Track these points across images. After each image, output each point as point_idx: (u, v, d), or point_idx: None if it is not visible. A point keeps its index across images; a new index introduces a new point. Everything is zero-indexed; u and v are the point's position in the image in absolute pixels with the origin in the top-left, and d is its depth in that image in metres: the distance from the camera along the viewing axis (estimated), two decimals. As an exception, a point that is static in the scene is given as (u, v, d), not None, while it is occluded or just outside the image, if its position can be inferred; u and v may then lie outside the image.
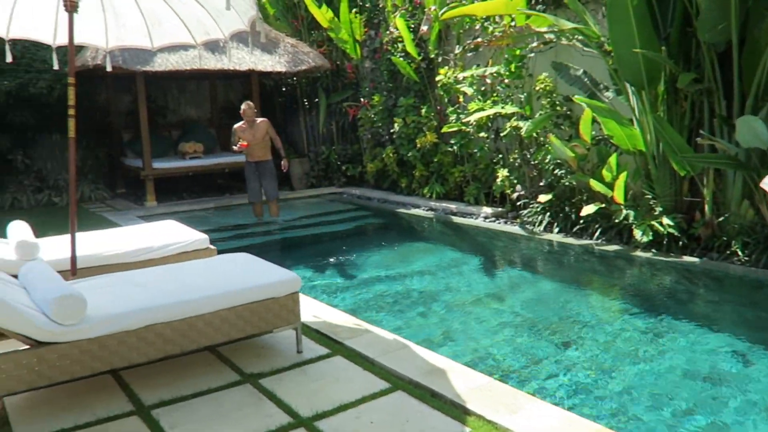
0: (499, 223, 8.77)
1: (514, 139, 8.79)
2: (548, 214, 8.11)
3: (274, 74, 11.81)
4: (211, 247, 5.64)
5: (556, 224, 7.95)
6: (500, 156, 9.50)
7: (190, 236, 5.55)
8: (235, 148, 9.01)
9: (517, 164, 8.76)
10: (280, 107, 13.24)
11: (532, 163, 8.61)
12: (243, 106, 9.00)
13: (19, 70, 10.15)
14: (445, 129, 9.50)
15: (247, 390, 3.68)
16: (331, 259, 7.30)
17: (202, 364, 4.04)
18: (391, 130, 10.67)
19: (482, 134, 9.36)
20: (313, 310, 5.00)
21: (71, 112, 4.43)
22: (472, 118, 8.94)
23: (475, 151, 9.45)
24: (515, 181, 8.76)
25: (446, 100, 10.02)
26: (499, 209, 9.22)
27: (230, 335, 3.86)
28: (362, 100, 11.61)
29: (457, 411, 3.35)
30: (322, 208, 10.94)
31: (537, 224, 8.13)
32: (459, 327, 5.20)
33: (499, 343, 4.82)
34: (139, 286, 3.95)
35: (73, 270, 4.52)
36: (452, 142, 9.71)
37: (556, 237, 7.77)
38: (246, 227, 9.27)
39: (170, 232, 5.68)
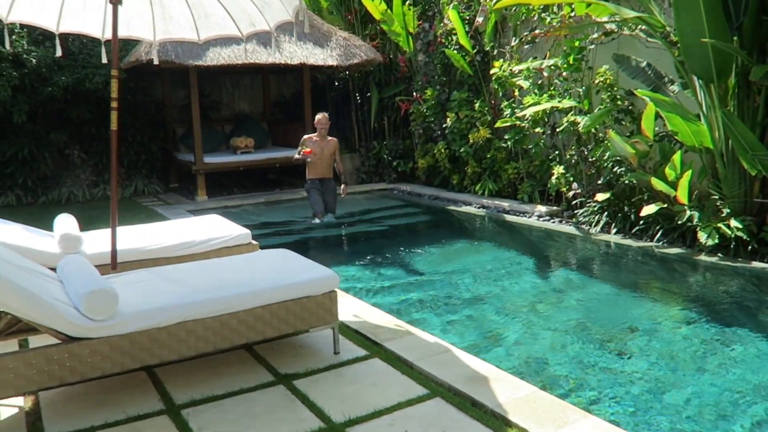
0: (554, 222, 8.43)
1: (571, 134, 8.42)
2: (606, 213, 7.73)
3: (326, 68, 11.73)
4: (254, 242, 5.55)
5: (614, 224, 7.56)
6: (556, 152, 9.13)
7: (233, 231, 5.47)
8: (297, 156, 8.77)
9: (573, 161, 8.38)
10: (331, 102, 13.15)
11: (590, 160, 8.23)
12: (318, 116, 8.74)
13: (76, 66, 10.36)
14: (499, 124, 9.20)
15: (280, 391, 3.54)
16: (378, 257, 7.12)
17: (236, 362, 3.93)
18: (444, 125, 10.43)
19: (538, 129, 9.01)
20: (353, 309, 4.84)
21: (114, 104, 4.39)
22: (528, 113, 8.61)
23: (530, 147, 9.12)
24: (571, 179, 8.39)
25: (501, 94, 9.72)
26: (554, 208, 8.87)
27: (265, 334, 3.73)
28: (414, 94, 11.40)
29: (498, 422, 3.12)
30: (371, 204, 10.79)
31: (593, 224, 7.76)
32: (507, 331, 4.94)
33: (549, 349, 4.54)
34: (174, 281, 3.87)
35: (114, 264, 4.49)
36: (506, 137, 9.40)
37: (613, 238, 7.39)
38: (294, 223, 9.20)
39: (213, 227, 5.62)
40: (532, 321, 5.13)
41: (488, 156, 9.84)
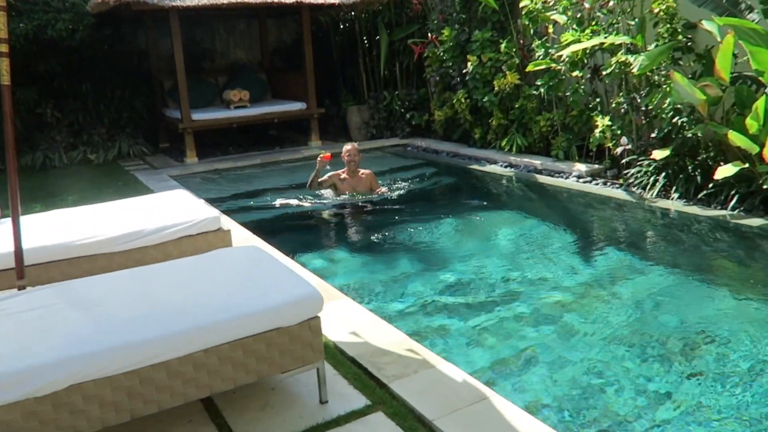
0: (597, 184, 7.08)
1: (618, 78, 6.99)
2: (663, 174, 6.37)
3: (327, 7, 10.23)
4: (224, 228, 4.32)
5: (674, 188, 6.22)
6: (597, 100, 7.72)
7: (197, 214, 4.23)
8: (310, 180, 6.94)
9: (622, 110, 6.97)
10: (336, 47, 11.69)
11: (642, 108, 6.82)
12: (347, 147, 6.87)
13: (35, 10, 9.00)
14: (530, 67, 7.77)
15: (234, 479, 2.35)
16: (384, 237, 5.83)
17: (179, 420, 2.74)
18: (464, 71, 8.98)
19: (576, 73, 7.58)
20: (350, 321, 3.62)
21: (3, 48, 3.12)
22: (566, 53, 7.18)
23: (567, 94, 7.70)
24: (618, 132, 7.00)
25: (532, 32, 8.25)
26: (595, 166, 7.52)
27: (212, 388, 2.53)
28: (430, 35, 9.89)
29: None
30: (381, 163, 9.46)
31: (648, 187, 6.41)
32: (547, 341, 3.73)
33: (600, 369, 3.35)
34: (86, 308, 2.66)
35: (20, 273, 3.27)
36: (538, 83, 7.98)
37: (674, 205, 6.06)
38: (286, 192, 7.91)
39: (174, 209, 4.39)
40: (576, 326, 3.91)
41: (516, 106, 8.43)
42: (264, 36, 12.02)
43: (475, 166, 8.58)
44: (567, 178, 7.48)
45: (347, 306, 3.88)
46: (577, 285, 4.57)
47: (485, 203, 6.97)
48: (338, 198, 6.95)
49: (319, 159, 6.73)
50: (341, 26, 11.77)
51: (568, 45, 7.13)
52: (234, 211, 6.78)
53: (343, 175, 6.95)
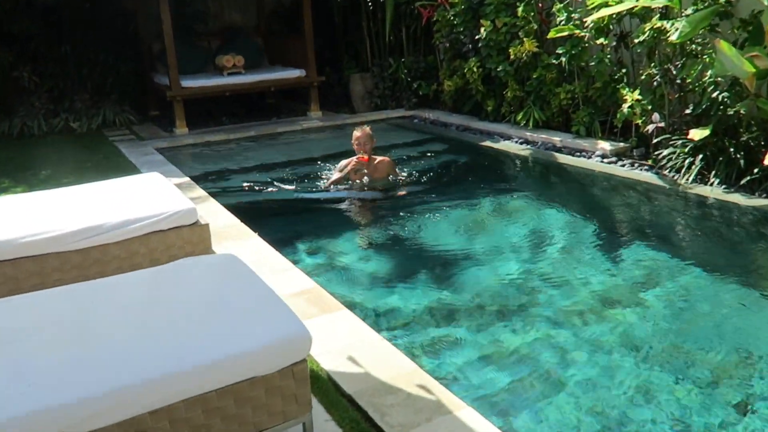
0: (624, 166, 6.41)
1: (649, 47, 6.27)
2: (701, 156, 5.70)
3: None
4: (202, 222, 3.68)
5: (714, 173, 5.55)
6: (623, 71, 7.01)
7: (169, 205, 3.59)
8: (327, 182, 6.03)
9: (655, 83, 6.25)
10: (338, 10, 10.88)
11: (677, 81, 6.11)
12: (356, 133, 5.77)
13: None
14: (552, 34, 7.02)
15: None
16: (391, 231, 5.12)
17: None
18: (476, 37, 8.22)
19: (601, 41, 6.85)
20: (350, 341, 3.02)
21: None
22: (592, 19, 6.45)
23: (592, 64, 6.97)
24: (649, 108, 6.30)
25: (552, -6, 7.50)
26: (621, 145, 6.84)
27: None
28: (439, -3, 9.12)
29: None
30: (384, 138, 8.71)
31: (683, 171, 5.74)
32: (570, 359, 3.16)
33: (639, 401, 2.76)
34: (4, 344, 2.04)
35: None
36: (559, 51, 7.25)
37: (714, 192, 5.41)
38: (286, 166, 7.26)
39: (143, 197, 3.75)
40: (604, 343, 3.32)
41: (534, 76, 7.70)
42: (261, -3, 11.22)
43: (488, 143, 7.89)
44: (590, 157, 6.81)
45: (346, 321, 3.27)
46: (603, 290, 3.96)
47: (500, 188, 6.24)
48: (349, 189, 5.91)
49: (356, 160, 5.66)
50: (343, -13, 10.96)
51: (596, 9, 6.38)
52: (223, 192, 6.15)
53: (356, 164, 5.83)
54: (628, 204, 5.81)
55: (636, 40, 6.21)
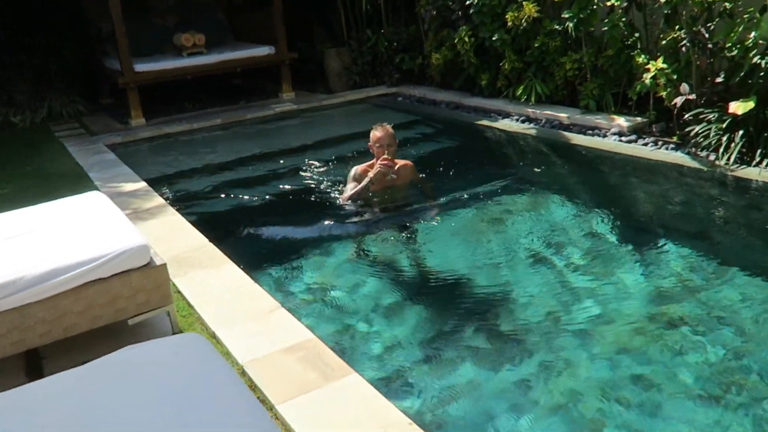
0: (647, 145, 5.62)
1: (669, 7, 5.45)
2: (742, 132, 4.92)
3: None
4: (157, 262, 2.79)
5: (760, 151, 4.79)
6: (636, 35, 6.20)
7: (112, 244, 2.69)
8: (344, 196, 4.66)
9: (684, 48, 5.42)
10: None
11: (708, 46, 5.31)
12: (376, 132, 4.53)
13: None
14: (558, -4, 6.16)
15: None
16: (362, 227, 4.32)
17: None
18: (467, 3, 7.30)
19: (612, 2, 6.01)
20: (357, 427, 2.19)
21: None
22: (606, -24, 5.60)
23: (604, 29, 6.13)
24: (675, 77, 5.49)
25: (554, -50, 6.62)
26: (638, 120, 6.06)
27: None
28: (421, -41, 8.15)
29: None
30: (364, 120, 7.80)
31: (721, 151, 4.96)
32: (602, 396, 2.46)
33: None
34: None
35: None
36: (564, 16, 6.38)
37: (762, 175, 4.65)
38: (262, 160, 6.33)
39: (79, 231, 2.84)
40: (658, 375, 2.59)
41: (535, 45, 6.83)
42: (221, -34, 10.12)
43: (485, 122, 7.04)
44: (605, 136, 6.01)
45: (357, 392, 2.44)
46: (640, 304, 3.22)
47: (503, 177, 5.34)
48: (363, 201, 4.65)
49: (380, 164, 4.39)
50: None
51: (609, -35, 5.53)
52: (188, 200, 5.22)
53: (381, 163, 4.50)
54: (663, 193, 4.99)
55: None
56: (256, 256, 4.04)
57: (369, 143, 4.58)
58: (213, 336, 2.95)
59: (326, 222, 4.50)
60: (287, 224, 4.65)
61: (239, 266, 3.64)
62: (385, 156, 4.39)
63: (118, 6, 7.44)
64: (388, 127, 4.56)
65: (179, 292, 3.36)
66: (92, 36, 9.06)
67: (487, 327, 3.13)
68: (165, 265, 2.76)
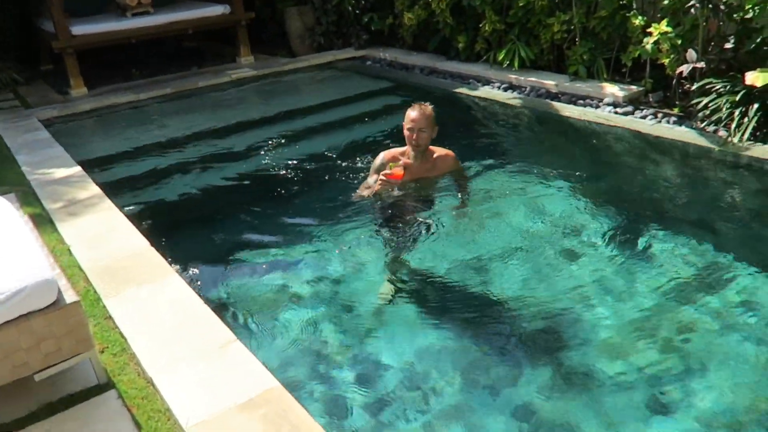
0: (645, 118, 5.09)
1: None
2: (757, 106, 4.40)
3: None
4: (67, 299, 2.14)
5: (776, 127, 4.30)
6: (630, -6, 5.62)
7: (7, 281, 2.03)
8: (366, 192, 3.72)
9: (693, 10, 4.83)
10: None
11: (721, 7, 4.73)
12: (412, 113, 3.54)
13: None
14: (550, -51, 5.49)
15: None
16: (358, 230, 3.63)
17: None
18: (443, -43, 6.60)
19: (605, -45, 5.39)
20: None
21: None
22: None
23: (598, -14, 5.51)
24: (679, 42, 4.92)
25: None
26: (633, 88, 5.51)
27: None
28: None
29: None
30: (332, 87, 7.16)
31: (734, 126, 4.44)
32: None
33: None
34: None
35: None
36: (553, -28, 5.74)
37: (783, 154, 4.16)
38: (218, 136, 5.63)
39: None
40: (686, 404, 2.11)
41: (519, 4, 6.18)
42: None
43: (464, 89, 6.41)
44: (597, 107, 5.45)
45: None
46: (658, 317, 2.73)
47: (484, 151, 4.76)
48: (388, 194, 3.70)
49: (382, 177, 3.50)
50: None
51: None
52: (129, 188, 4.53)
53: (403, 158, 3.63)
54: (670, 175, 4.46)
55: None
56: (207, 264, 3.40)
57: (403, 123, 3.62)
58: (150, 383, 2.34)
59: (299, 219, 3.85)
60: (247, 221, 3.94)
61: (186, 280, 3.02)
62: (395, 169, 3.45)
63: (49, -43, 6.54)
64: (427, 108, 3.57)
65: (110, 317, 2.73)
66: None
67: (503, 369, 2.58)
68: (78, 303, 2.11)
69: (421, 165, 3.66)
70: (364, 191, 3.73)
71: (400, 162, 3.52)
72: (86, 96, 6.96)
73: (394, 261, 3.37)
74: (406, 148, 3.66)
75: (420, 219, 3.59)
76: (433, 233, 3.48)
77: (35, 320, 2.03)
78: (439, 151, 3.74)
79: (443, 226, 3.52)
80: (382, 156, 3.73)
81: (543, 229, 3.59)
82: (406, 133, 3.57)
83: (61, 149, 5.09)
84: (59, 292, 2.11)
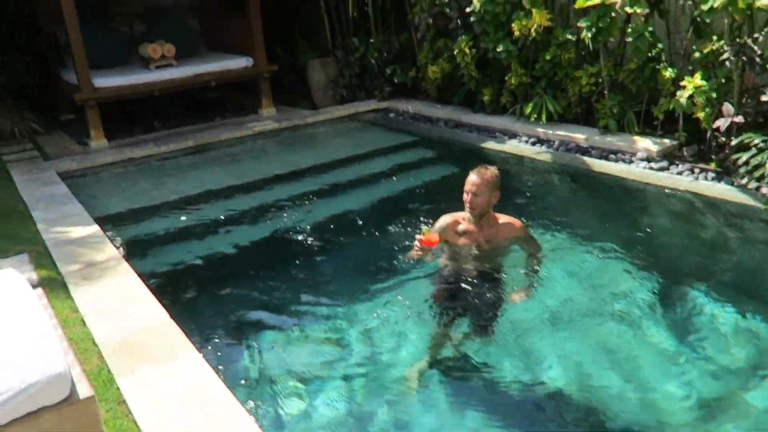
0: (682, 173, 4.89)
1: (710, 15, 4.72)
2: (803, 163, 4.21)
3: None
4: (82, 395, 1.95)
5: (827, 187, 4.07)
6: (659, 47, 5.48)
7: (14, 377, 1.85)
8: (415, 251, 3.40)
9: (728, 63, 4.68)
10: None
11: (757, 60, 4.57)
12: (473, 177, 3.32)
13: None
14: (580, 3, 5.38)
15: None
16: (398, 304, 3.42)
17: None
18: (468, 9, 6.52)
19: (634, 9, 5.26)
20: None
21: None
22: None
23: (628, 39, 5.37)
24: (714, 96, 4.76)
25: (568, -50, 5.87)
26: (666, 142, 5.34)
27: None
28: (413, -39, 7.37)
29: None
30: (355, 141, 7.04)
31: (780, 184, 4.24)
32: None
33: None
34: None
35: None
36: (581, 25, 5.61)
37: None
38: (234, 196, 5.48)
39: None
40: None
41: (546, 57, 6.07)
42: (192, -32, 9.26)
43: (491, 143, 6.26)
44: (630, 162, 5.27)
45: None
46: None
47: (522, 218, 4.52)
48: (443, 263, 3.56)
49: (417, 243, 3.30)
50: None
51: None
52: (149, 250, 4.37)
53: (464, 225, 3.45)
54: (715, 239, 4.21)
55: (704, 6, 4.59)
56: (230, 338, 3.20)
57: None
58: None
59: (329, 286, 3.64)
60: (274, 288, 3.76)
61: (207, 356, 2.82)
62: (428, 236, 3.25)
63: (73, 10, 6.55)
64: (487, 173, 3.34)
65: (124, 402, 2.53)
66: (47, 44, 8.14)
67: None
68: (93, 398, 1.93)
69: (481, 231, 3.43)
70: (414, 254, 3.46)
71: (433, 228, 3.34)
72: (106, 148, 6.90)
73: (438, 342, 3.15)
74: (464, 213, 3.45)
75: (477, 301, 3.35)
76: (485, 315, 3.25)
77: (45, 417, 1.84)
78: (504, 218, 3.51)
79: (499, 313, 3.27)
80: (444, 218, 3.52)
81: (592, 305, 3.35)
82: (464, 196, 3.37)
83: (80, 206, 4.96)
84: (72, 383, 1.92)
